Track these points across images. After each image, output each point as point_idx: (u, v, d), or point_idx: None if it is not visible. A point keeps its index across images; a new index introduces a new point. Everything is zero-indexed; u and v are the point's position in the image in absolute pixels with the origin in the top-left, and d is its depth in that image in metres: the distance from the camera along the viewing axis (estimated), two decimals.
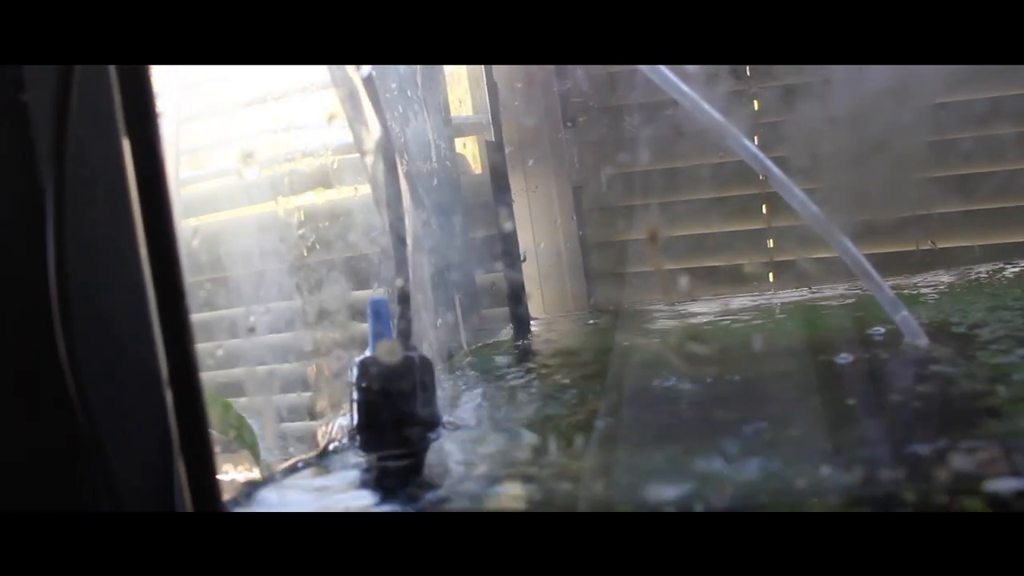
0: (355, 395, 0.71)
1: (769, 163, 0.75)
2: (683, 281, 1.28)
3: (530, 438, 0.70)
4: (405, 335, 0.72)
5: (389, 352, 0.68)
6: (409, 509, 0.59)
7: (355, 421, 0.71)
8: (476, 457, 0.68)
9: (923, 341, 0.78)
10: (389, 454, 0.69)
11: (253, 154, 0.75)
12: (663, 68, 0.76)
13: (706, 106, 0.74)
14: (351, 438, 0.71)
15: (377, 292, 0.75)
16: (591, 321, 1.30)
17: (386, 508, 0.60)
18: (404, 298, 0.72)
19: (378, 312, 0.71)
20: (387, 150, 0.68)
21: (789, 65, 1.22)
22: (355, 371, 0.72)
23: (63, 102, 0.54)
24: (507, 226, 1.19)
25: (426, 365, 0.72)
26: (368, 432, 0.71)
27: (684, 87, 0.74)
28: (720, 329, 1.01)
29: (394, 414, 0.70)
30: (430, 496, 0.61)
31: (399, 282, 0.71)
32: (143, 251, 0.56)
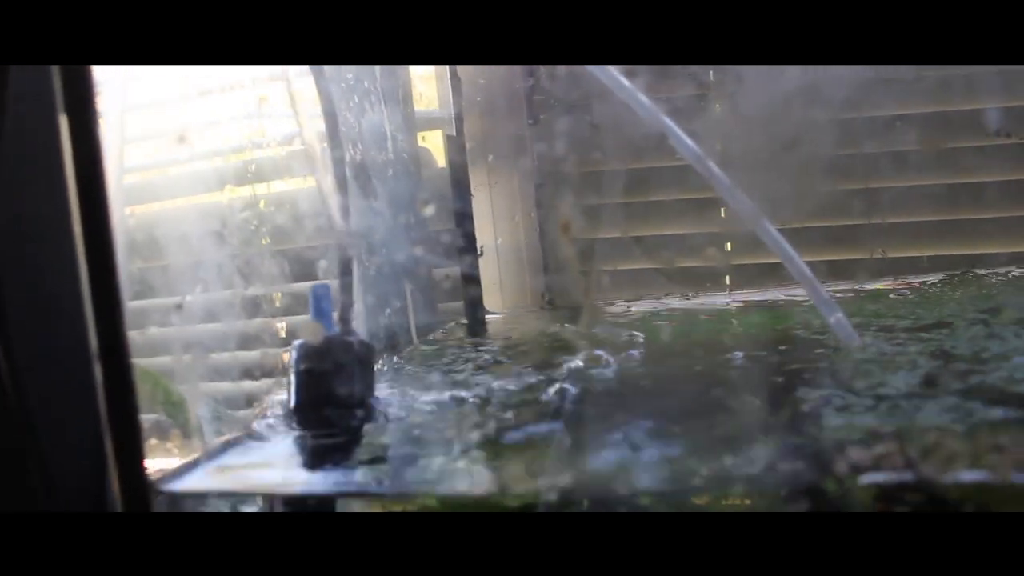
0: (292, 376, 0.72)
1: (711, 164, 0.76)
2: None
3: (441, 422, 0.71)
4: (345, 320, 0.73)
5: (312, 332, 0.70)
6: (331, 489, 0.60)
7: (291, 401, 0.72)
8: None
9: (856, 342, 0.80)
10: (322, 433, 0.70)
11: (187, 137, 0.75)
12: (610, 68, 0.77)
13: (648, 104, 0.75)
14: (287, 418, 0.72)
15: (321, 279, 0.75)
16: (543, 316, 1.31)
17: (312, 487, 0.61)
18: (346, 284, 0.73)
19: (319, 297, 0.72)
20: (334, 138, 0.68)
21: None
22: (294, 354, 0.73)
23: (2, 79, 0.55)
24: (465, 220, 1.19)
25: (364, 349, 0.73)
26: (303, 412, 0.72)
27: (626, 84, 0.75)
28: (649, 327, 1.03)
29: (329, 395, 0.71)
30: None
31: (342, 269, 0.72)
32: (77, 228, 0.57)
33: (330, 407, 0.70)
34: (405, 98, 1.20)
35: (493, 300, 1.38)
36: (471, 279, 1.19)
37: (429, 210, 1.21)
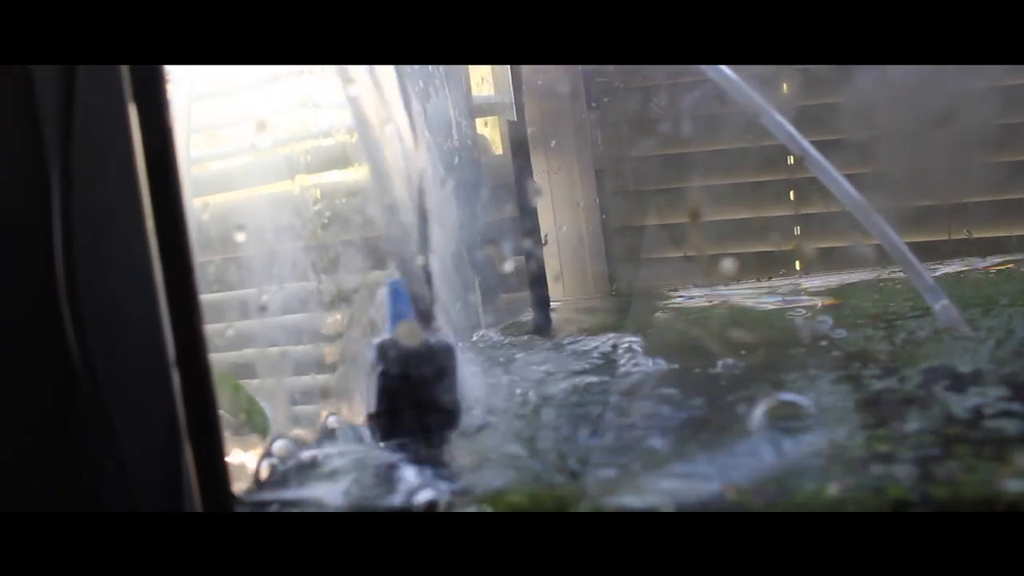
0: (373, 380, 0.68)
1: (808, 145, 0.72)
2: (726, 265, 1.24)
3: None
4: (427, 317, 0.69)
5: (409, 334, 0.65)
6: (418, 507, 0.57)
7: (372, 407, 0.68)
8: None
9: (964, 329, 0.75)
10: (406, 443, 0.65)
11: (266, 124, 0.72)
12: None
13: (744, 87, 0.71)
14: (368, 425, 0.68)
15: (392, 273, 0.71)
16: (612, 305, 1.27)
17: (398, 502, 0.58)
18: (427, 279, 0.68)
19: (397, 293, 0.68)
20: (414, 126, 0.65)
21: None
22: (372, 354, 0.69)
23: (70, 72, 0.52)
24: (530, 208, 1.16)
25: (447, 350, 0.69)
26: (385, 419, 0.68)
27: (731, 75, 0.71)
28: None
29: (414, 401, 0.67)
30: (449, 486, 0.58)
31: (420, 261, 0.68)
32: (150, 224, 0.54)
33: (415, 414, 0.66)
34: (466, 83, 1.17)
35: (554, 289, 1.34)
36: (536, 268, 1.16)
37: (493, 198, 1.18)
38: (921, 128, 1.05)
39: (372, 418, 0.68)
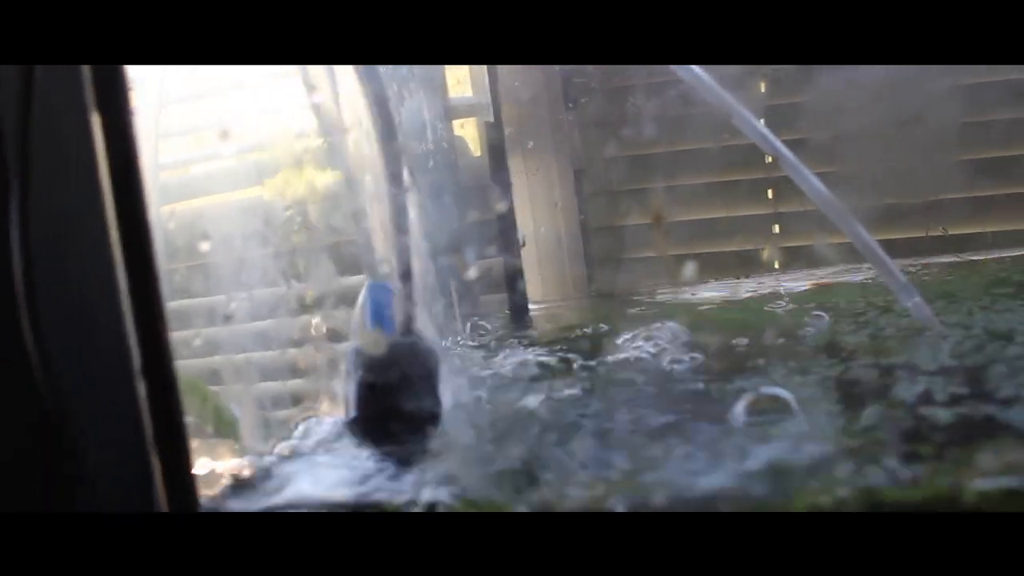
0: (350, 385, 0.68)
1: (779, 144, 0.72)
2: (689, 267, 1.25)
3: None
4: (407, 321, 0.68)
5: (374, 343, 0.64)
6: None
7: (350, 412, 0.68)
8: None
9: (936, 326, 0.76)
10: (386, 446, 0.65)
11: (229, 132, 0.71)
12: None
13: (715, 86, 0.70)
14: (347, 429, 0.67)
15: (373, 276, 0.70)
16: (591, 306, 1.27)
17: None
18: (406, 282, 0.68)
19: (377, 297, 0.67)
20: (385, 126, 0.64)
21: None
22: (350, 359, 0.68)
23: (28, 73, 0.51)
24: (505, 210, 1.15)
25: (428, 352, 0.68)
26: (364, 424, 0.67)
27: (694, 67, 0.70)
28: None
29: (392, 404, 0.66)
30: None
31: (396, 265, 0.67)
32: (114, 232, 0.53)
33: (396, 419, 0.65)
34: (442, 85, 1.16)
35: (534, 290, 1.33)
36: (514, 270, 1.15)
37: (470, 200, 1.17)
38: (892, 127, 1.05)
39: (352, 422, 0.67)
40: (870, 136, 1.06)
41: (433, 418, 0.67)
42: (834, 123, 1.08)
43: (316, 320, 0.79)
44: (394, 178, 0.63)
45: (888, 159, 1.07)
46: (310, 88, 0.64)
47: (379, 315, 0.67)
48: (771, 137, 0.72)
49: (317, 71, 0.65)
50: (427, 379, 0.67)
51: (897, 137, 1.04)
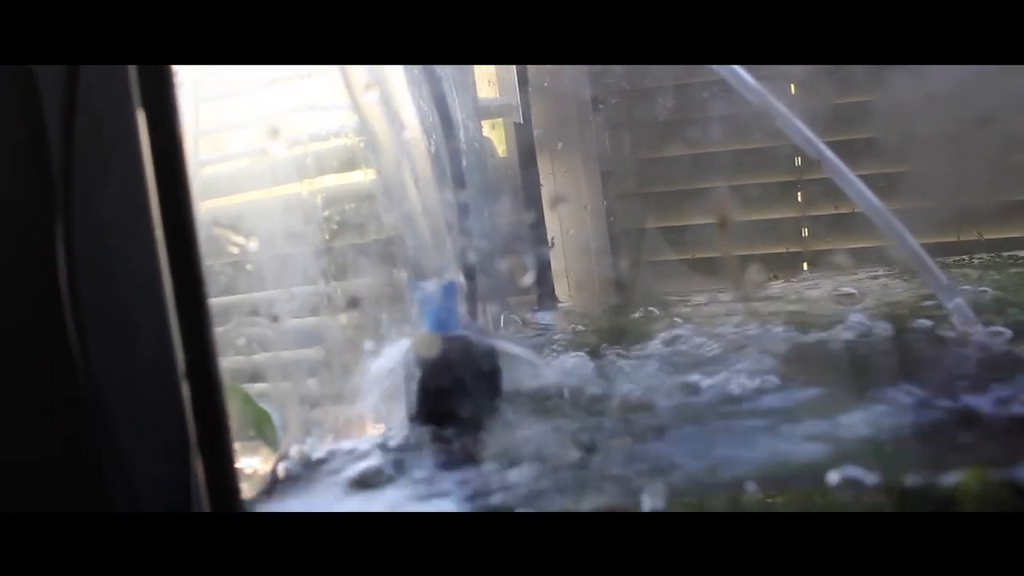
0: (409, 382, 0.67)
1: (822, 146, 0.71)
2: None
3: None
4: (464, 318, 0.67)
5: (428, 345, 0.63)
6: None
7: (410, 409, 0.67)
8: None
9: (977, 329, 0.75)
10: (445, 441, 0.64)
11: (279, 130, 0.71)
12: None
13: (759, 87, 0.70)
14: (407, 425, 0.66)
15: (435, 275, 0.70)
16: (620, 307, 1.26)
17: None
18: (469, 278, 0.67)
19: (434, 296, 0.66)
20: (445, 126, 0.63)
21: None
22: (407, 358, 0.67)
23: (74, 74, 0.51)
24: (535, 210, 1.15)
25: (487, 349, 0.67)
26: (423, 420, 0.66)
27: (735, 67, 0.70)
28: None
29: (451, 401, 0.66)
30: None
31: (453, 266, 0.67)
32: (159, 233, 0.53)
33: (453, 414, 0.64)
34: (470, 86, 1.15)
35: (561, 292, 1.33)
36: (543, 271, 1.15)
37: (499, 201, 1.17)
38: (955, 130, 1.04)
39: (413, 419, 0.67)
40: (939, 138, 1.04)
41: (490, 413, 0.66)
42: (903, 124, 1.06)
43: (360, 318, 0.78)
44: (456, 178, 0.62)
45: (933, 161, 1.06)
46: (356, 86, 0.63)
47: (438, 314, 0.66)
48: (814, 139, 0.71)
49: (364, 69, 0.65)
50: (487, 377, 0.66)
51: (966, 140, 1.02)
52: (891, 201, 0.75)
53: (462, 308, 0.68)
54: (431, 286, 0.67)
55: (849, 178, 0.72)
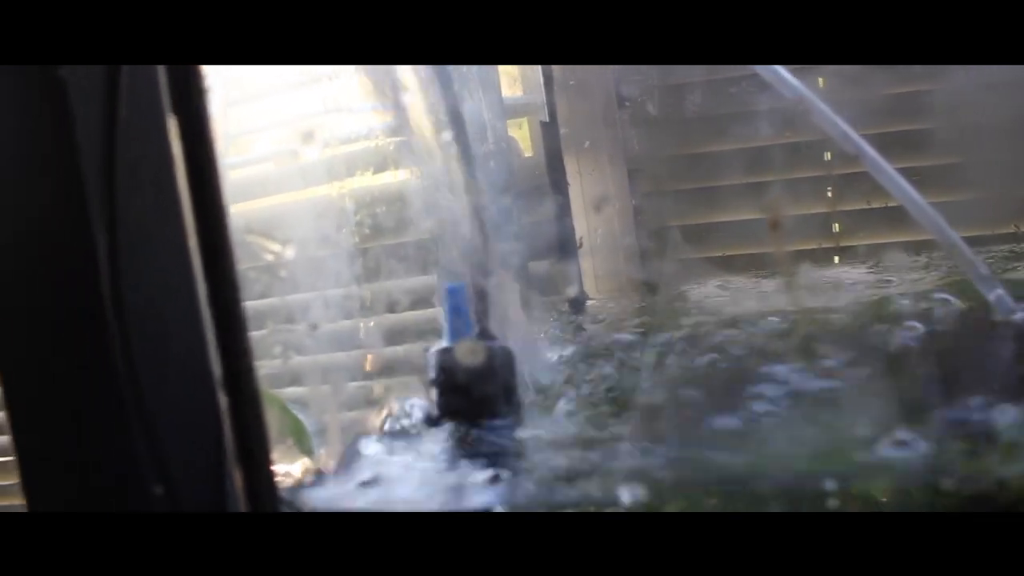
0: (432, 389, 0.67)
1: (860, 140, 0.70)
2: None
3: None
4: (484, 326, 0.67)
5: (471, 353, 0.63)
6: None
7: (432, 417, 0.67)
8: None
9: (1020, 316, 0.74)
10: (470, 450, 0.63)
11: (313, 133, 0.71)
12: None
13: (795, 82, 0.69)
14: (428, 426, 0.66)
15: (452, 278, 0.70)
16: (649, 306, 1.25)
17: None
18: (483, 287, 0.67)
19: (456, 299, 0.66)
20: (458, 127, 0.63)
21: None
22: (432, 363, 0.67)
23: (113, 82, 0.51)
24: (563, 210, 1.14)
25: (508, 356, 0.67)
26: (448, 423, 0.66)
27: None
28: None
29: (475, 409, 0.65)
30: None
31: (486, 269, 0.66)
32: (192, 240, 0.52)
33: (477, 422, 0.64)
34: (495, 85, 1.15)
35: (589, 291, 1.32)
36: (571, 272, 1.14)
37: (525, 201, 1.16)
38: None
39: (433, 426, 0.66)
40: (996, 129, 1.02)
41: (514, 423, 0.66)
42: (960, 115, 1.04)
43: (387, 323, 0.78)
44: (486, 179, 0.62)
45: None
46: (392, 89, 0.63)
47: (456, 319, 0.66)
48: (852, 132, 0.70)
49: (404, 70, 0.64)
50: (504, 382, 0.66)
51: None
52: (947, 193, 0.74)
53: (487, 309, 0.67)
54: (452, 289, 0.67)
55: (887, 171, 0.71)
